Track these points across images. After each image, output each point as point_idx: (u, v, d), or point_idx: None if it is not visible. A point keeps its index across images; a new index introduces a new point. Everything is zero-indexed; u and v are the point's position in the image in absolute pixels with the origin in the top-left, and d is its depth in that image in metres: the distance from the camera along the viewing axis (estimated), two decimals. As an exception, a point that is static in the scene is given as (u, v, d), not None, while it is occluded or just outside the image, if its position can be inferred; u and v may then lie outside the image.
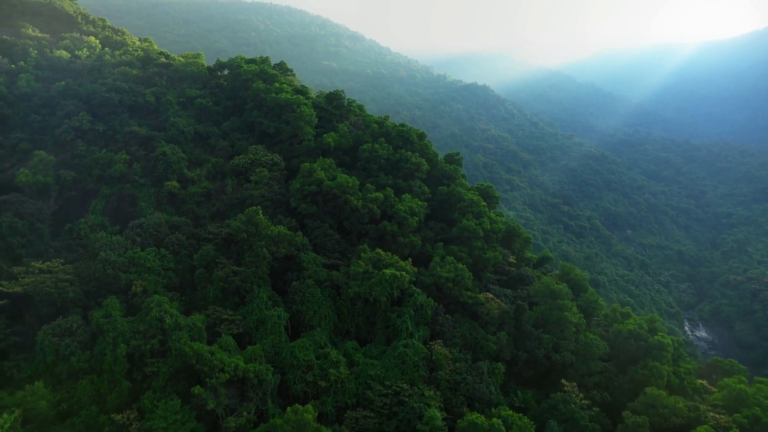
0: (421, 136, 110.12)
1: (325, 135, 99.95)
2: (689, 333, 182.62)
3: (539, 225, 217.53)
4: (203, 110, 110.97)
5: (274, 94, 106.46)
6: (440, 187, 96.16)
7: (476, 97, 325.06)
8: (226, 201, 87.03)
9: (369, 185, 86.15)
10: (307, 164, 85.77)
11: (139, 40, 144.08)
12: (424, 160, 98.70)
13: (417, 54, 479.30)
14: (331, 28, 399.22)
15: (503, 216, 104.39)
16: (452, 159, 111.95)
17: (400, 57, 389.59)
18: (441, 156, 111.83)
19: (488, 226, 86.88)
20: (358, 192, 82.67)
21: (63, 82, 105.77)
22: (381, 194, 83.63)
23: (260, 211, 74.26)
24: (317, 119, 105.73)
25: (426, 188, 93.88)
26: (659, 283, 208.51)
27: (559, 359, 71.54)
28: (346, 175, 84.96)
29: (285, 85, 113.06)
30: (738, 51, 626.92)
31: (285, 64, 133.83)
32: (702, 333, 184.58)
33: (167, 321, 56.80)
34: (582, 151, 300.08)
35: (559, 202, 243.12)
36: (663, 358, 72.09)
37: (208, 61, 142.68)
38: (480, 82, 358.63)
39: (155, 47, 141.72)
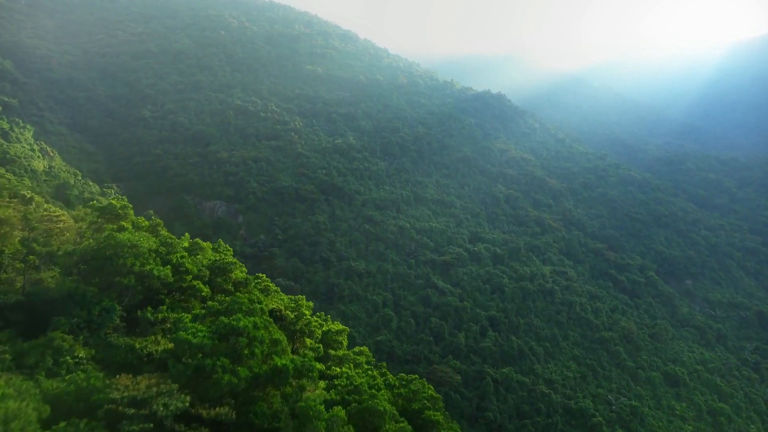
0: None
1: None
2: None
3: (584, 284, 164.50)
4: None
5: None
6: None
7: (491, 108, 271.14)
8: None
9: None
10: None
11: None
12: None
13: (416, 57, 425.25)
14: (319, 26, 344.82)
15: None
16: None
17: (400, 60, 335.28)
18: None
19: None
20: None
21: None
22: None
23: None
24: None
25: None
26: (745, 366, 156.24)
27: None
28: None
29: None
30: (762, 53, 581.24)
31: None
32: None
33: None
34: (620, 176, 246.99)
35: (603, 247, 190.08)
36: None
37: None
38: (488, 89, 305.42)
39: None
